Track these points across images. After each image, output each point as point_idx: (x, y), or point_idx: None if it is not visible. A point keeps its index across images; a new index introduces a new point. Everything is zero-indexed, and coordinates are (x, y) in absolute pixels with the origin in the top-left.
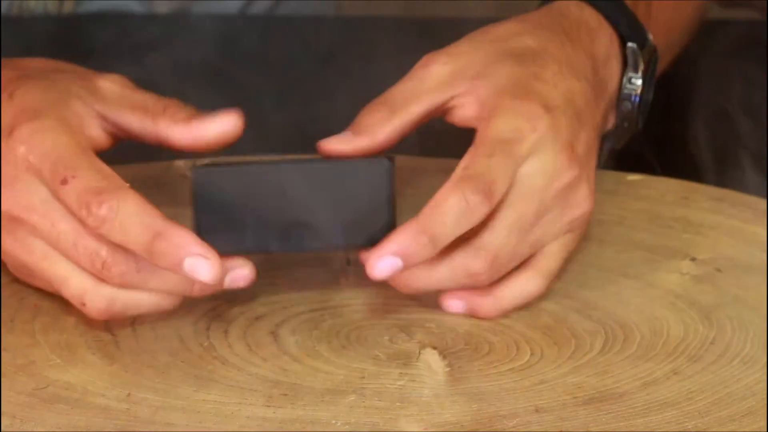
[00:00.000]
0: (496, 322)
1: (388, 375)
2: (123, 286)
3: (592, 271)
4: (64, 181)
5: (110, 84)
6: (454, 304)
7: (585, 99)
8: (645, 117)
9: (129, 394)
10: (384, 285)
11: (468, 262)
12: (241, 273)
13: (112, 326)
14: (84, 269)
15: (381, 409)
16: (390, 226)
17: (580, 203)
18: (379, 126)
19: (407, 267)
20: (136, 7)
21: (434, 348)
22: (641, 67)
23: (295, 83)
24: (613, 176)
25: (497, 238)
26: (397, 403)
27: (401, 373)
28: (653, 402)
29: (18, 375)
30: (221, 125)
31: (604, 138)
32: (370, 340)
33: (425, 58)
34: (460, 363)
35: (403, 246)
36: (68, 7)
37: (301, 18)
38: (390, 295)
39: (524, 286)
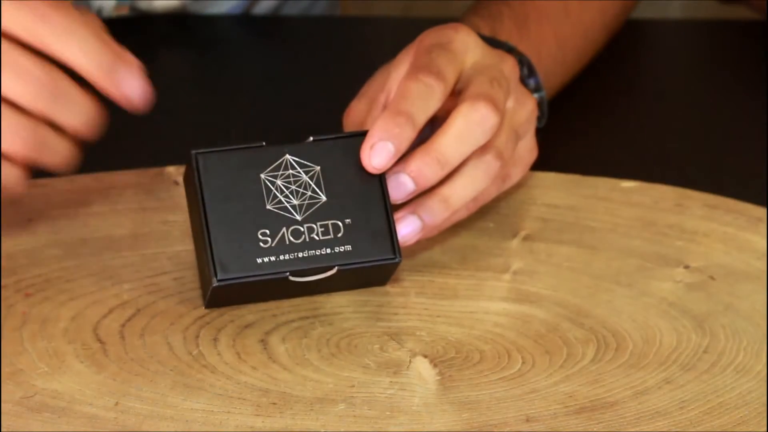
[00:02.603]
0: (487, 330)
1: (378, 384)
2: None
3: (584, 278)
4: None
5: None
6: (405, 222)
7: None
8: (545, 115)
9: (117, 403)
10: (374, 292)
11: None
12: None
13: (101, 334)
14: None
15: (371, 418)
16: (383, 197)
17: (525, 101)
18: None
19: (398, 152)
20: (136, 7)
21: (425, 356)
22: None
23: (296, 83)
24: (606, 183)
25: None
26: (387, 413)
27: (391, 381)
28: (645, 411)
29: (5, 383)
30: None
31: None
32: (361, 349)
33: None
34: (451, 372)
35: (386, 130)
36: None
37: (301, 18)
38: (381, 303)
39: (472, 174)
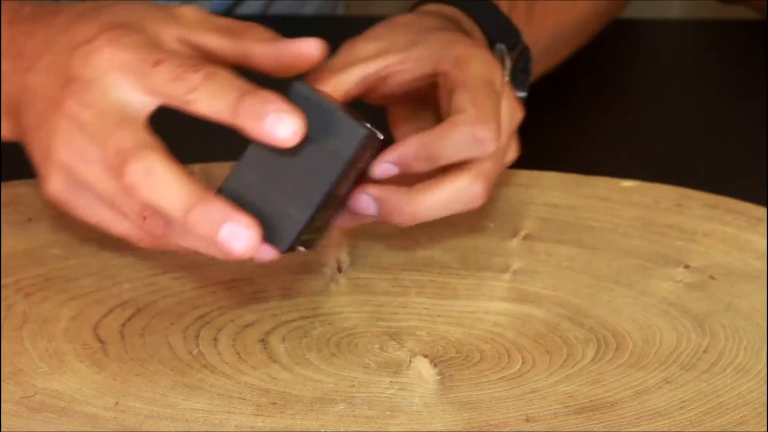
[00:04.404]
0: (487, 330)
1: (378, 384)
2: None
3: (584, 278)
4: (158, 62)
5: (190, 10)
6: (364, 201)
7: None
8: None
9: (117, 403)
10: (375, 292)
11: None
12: (266, 249)
13: (101, 334)
14: None
15: (371, 418)
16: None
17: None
18: (323, 83)
19: (403, 172)
20: None
21: (425, 356)
22: (508, 66)
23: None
24: (606, 183)
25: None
26: (387, 412)
27: (391, 381)
28: (645, 411)
29: (5, 383)
30: (306, 47)
31: None
32: (361, 348)
33: (346, 43)
34: (451, 371)
35: (408, 158)
36: None
37: (302, 18)
38: (381, 303)
39: (452, 198)
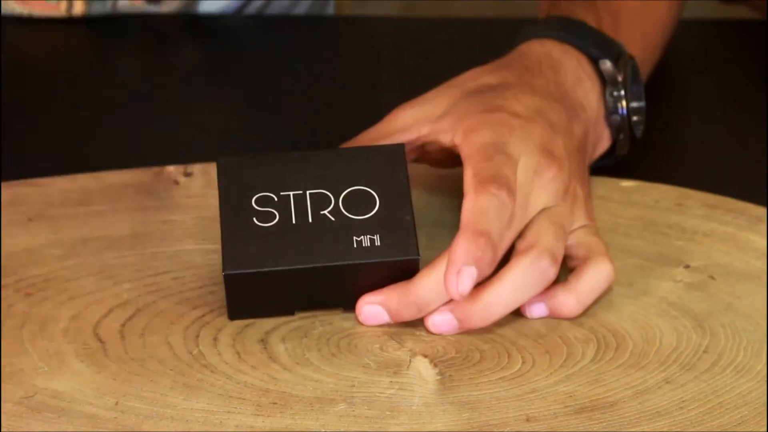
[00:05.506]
0: (486, 330)
1: (378, 384)
2: None
3: None
4: None
5: None
6: (536, 309)
7: (555, 113)
8: (643, 124)
9: (117, 403)
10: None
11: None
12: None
13: (101, 334)
14: None
15: (371, 418)
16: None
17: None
18: None
19: (480, 275)
20: (146, 8)
21: (425, 356)
22: (619, 79)
23: (294, 83)
24: (606, 183)
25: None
26: (387, 412)
27: (391, 381)
28: (645, 411)
29: (5, 383)
30: None
31: (604, 156)
32: (361, 348)
33: (395, 109)
34: (451, 371)
35: (468, 253)
36: (78, 8)
37: (301, 18)
38: None
39: (597, 273)
